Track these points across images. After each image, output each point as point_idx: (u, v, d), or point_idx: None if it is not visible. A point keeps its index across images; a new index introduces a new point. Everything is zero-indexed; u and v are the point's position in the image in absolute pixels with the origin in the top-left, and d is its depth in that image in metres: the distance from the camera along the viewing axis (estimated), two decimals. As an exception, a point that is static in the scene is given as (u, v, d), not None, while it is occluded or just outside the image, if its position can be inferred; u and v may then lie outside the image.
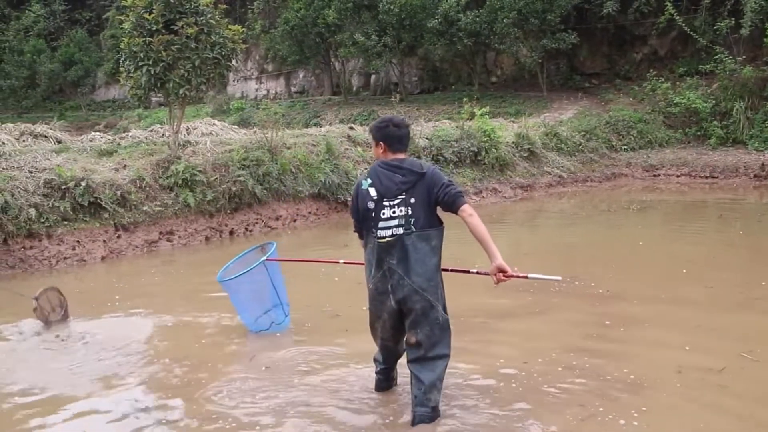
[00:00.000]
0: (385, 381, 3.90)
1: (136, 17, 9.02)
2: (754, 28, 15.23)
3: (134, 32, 9.05)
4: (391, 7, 19.10)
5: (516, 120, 16.29)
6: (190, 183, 9.28)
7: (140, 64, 8.98)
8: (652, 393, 3.82)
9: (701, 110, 15.10)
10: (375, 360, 3.90)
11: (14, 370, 4.56)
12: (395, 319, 3.50)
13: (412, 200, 3.40)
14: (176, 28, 8.95)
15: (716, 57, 15.30)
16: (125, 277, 7.52)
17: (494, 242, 3.33)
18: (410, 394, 3.49)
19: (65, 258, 7.94)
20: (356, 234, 3.69)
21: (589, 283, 6.18)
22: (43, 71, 29.01)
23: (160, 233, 8.88)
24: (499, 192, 12.66)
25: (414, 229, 3.38)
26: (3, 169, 8.50)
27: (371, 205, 3.44)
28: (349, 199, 10.11)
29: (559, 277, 3.71)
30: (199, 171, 9.40)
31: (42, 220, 7.88)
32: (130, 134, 12.88)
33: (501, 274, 3.33)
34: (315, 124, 18.61)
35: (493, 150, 12.91)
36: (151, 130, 13.15)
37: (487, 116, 13.71)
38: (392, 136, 3.51)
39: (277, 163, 10.21)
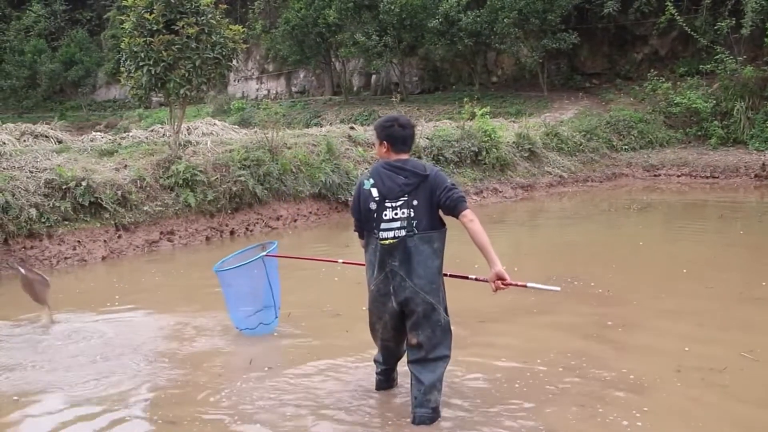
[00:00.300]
0: (386, 381, 3.90)
1: (137, 17, 9.03)
2: (755, 28, 15.23)
3: (135, 32, 9.06)
4: (392, 7, 19.11)
5: (516, 120, 16.30)
6: (190, 183, 9.29)
7: (141, 64, 8.99)
8: (652, 393, 3.82)
9: (702, 110, 15.11)
10: (375, 361, 3.90)
11: (10, 368, 4.56)
12: (396, 320, 3.50)
13: (415, 202, 3.38)
14: (177, 28, 8.96)
15: (717, 57, 15.31)
16: (126, 277, 7.52)
17: (495, 243, 3.33)
18: (410, 395, 3.49)
19: (66, 258, 7.94)
20: (356, 233, 3.68)
21: (589, 283, 6.18)
22: (43, 71, 29.06)
23: (161, 233, 8.88)
24: (500, 192, 12.66)
25: (416, 231, 3.37)
26: (4, 169, 8.50)
27: (373, 205, 3.43)
28: (349, 199, 10.11)
29: (558, 288, 3.69)
30: (200, 171, 9.41)
31: (43, 220, 7.89)
32: (130, 134, 12.89)
33: (500, 281, 3.33)
34: (315, 124, 18.62)
35: (494, 150, 12.92)
36: (152, 130, 13.17)
37: (487, 116, 13.72)
38: (396, 136, 3.48)
39: (277, 163, 10.22)
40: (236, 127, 14.93)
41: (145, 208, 8.79)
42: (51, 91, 30.39)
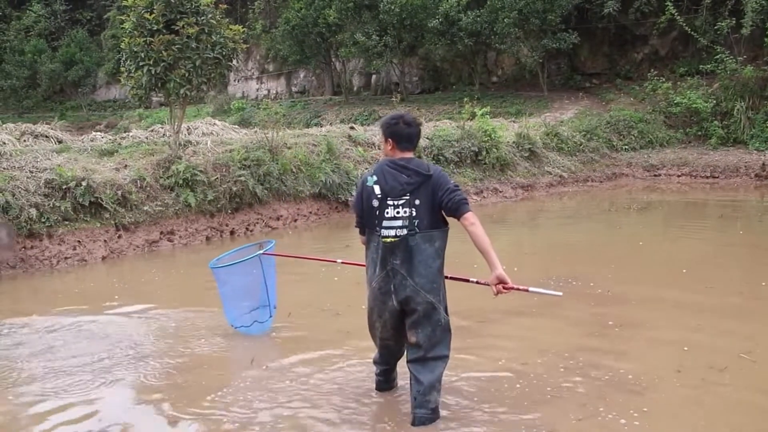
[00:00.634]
0: (386, 382, 3.89)
1: (137, 17, 9.04)
2: (755, 28, 15.23)
3: (135, 32, 9.06)
4: (392, 7, 19.11)
5: (517, 120, 16.30)
6: (190, 183, 9.29)
7: (141, 64, 9.00)
8: (652, 393, 3.82)
9: (702, 110, 15.10)
10: (375, 361, 3.90)
11: (10, 368, 4.56)
12: (396, 319, 3.50)
13: (417, 201, 3.38)
14: (177, 28, 8.96)
15: (717, 57, 15.30)
16: (126, 277, 7.53)
17: (495, 243, 3.33)
18: (410, 395, 3.49)
19: (66, 258, 7.94)
20: (357, 230, 3.67)
21: (589, 283, 6.18)
22: (43, 71, 29.08)
23: (161, 233, 8.88)
24: (500, 192, 12.66)
25: (418, 230, 3.37)
26: (4, 169, 8.51)
27: (375, 203, 3.43)
28: (350, 198, 10.12)
29: (560, 293, 3.69)
30: (200, 171, 9.41)
31: (43, 220, 7.89)
32: (130, 134, 12.89)
33: (501, 285, 3.33)
34: (316, 124, 18.63)
35: (494, 150, 12.92)
36: (152, 130, 13.17)
37: (487, 116, 13.72)
38: (402, 133, 3.48)
39: (277, 163, 10.22)
40: (236, 127, 14.93)
41: (145, 208, 8.79)
42: (51, 91, 30.41)
